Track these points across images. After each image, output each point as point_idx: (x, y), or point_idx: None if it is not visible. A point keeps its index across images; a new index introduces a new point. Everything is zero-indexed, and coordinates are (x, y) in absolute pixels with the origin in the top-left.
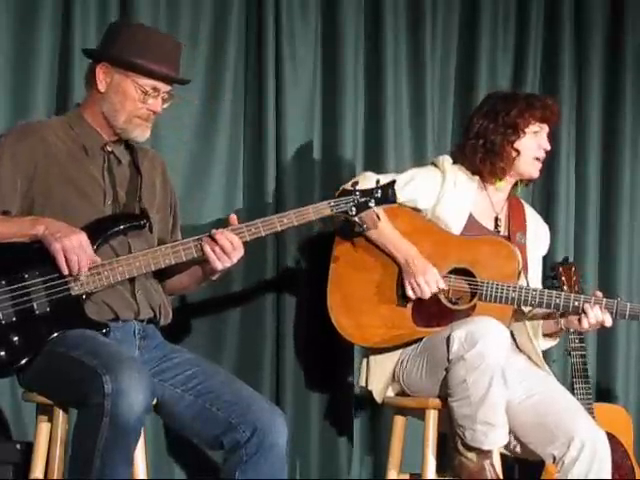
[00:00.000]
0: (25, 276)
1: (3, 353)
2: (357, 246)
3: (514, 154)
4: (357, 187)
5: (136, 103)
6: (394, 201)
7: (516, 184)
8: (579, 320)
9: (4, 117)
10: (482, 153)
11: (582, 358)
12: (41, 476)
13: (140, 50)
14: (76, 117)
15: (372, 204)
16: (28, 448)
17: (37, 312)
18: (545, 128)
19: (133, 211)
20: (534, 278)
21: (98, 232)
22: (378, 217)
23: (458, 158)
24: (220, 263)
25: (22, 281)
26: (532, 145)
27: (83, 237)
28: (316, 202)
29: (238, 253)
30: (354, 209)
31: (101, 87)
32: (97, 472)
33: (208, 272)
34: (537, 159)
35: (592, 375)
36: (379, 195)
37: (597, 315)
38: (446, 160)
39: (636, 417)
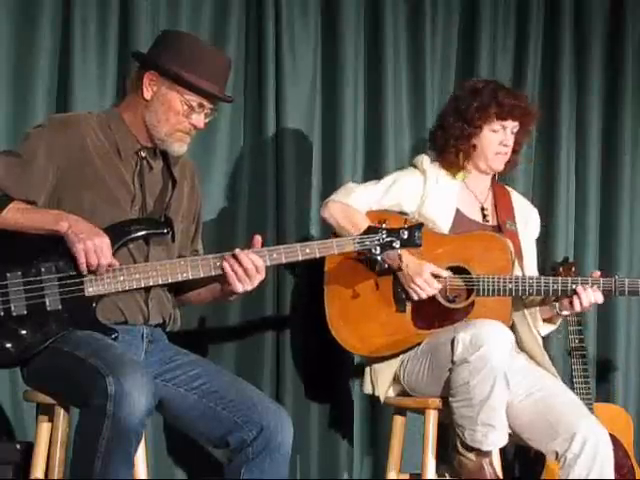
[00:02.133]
0: (42, 270)
1: (10, 345)
2: (349, 256)
3: (471, 149)
4: (384, 225)
5: (180, 117)
6: (420, 244)
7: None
8: (571, 303)
9: (4, 117)
10: (441, 145)
11: (582, 358)
12: (41, 476)
13: (191, 64)
14: (115, 117)
15: (397, 245)
16: (28, 448)
17: (49, 308)
18: (509, 125)
19: (158, 218)
20: (529, 265)
21: (119, 235)
22: (400, 258)
23: (433, 154)
24: (241, 285)
25: (38, 275)
26: (492, 141)
27: (105, 240)
28: (315, 202)
29: (260, 277)
30: (378, 248)
31: (147, 95)
32: (98, 473)
33: (227, 292)
34: (498, 154)
35: (592, 375)
36: (405, 237)
37: (589, 296)
38: (424, 159)
39: (636, 417)
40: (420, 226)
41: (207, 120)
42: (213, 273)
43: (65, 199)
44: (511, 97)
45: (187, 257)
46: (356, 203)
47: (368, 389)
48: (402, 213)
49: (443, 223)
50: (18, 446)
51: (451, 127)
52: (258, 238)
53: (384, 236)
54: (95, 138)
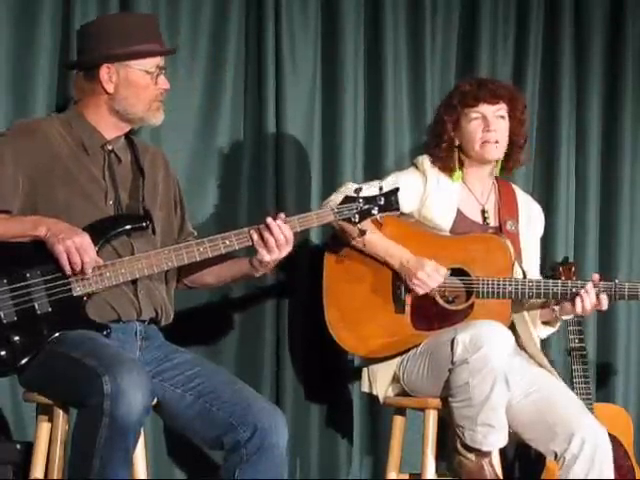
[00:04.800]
0: (27, 275)
1: (4, 353)
2: (347, 258)
3: (457, 143)
4: (360, 194)
5: (149, 89)
6: (397, 209)
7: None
8: (573, 305)
9: (4, 117)
10: (431, 149)
11: (582, 358)
12: (41, 476)
13: (130, 37)
14: (75, 116)
15: (375, 212)
16: (28, 448)
17: (38, 312)
18: (485, 110)
19: (136, 212)
20: (532, 265)
21: (100, 233)
22: (380, 224)
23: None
24: (268, 254)
25: (24, 280)
26: (472, 130)
27: (86, 238)
28: (315, 200)
29: (288, 247)
30: (357, 216)
31: (109, 88)
32: (97, 472)
33: (256, 265)
34: (485, 142)
35: (592, 375)
36: (382, 203)
37: (592, 299)
38: (425, 160)
39: (636, 417)
40: (396, 191)
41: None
42: (198, 259)
43: (40, 202)
44: (475, 83)
45: (171, 245)
46: None
47: (365, 387)
48: (402, 214)
49: (444, 223)
50: (18, 446)
51: (433, 130)
52: (281, 215)
53: (361, 204)
54: (60, 139)
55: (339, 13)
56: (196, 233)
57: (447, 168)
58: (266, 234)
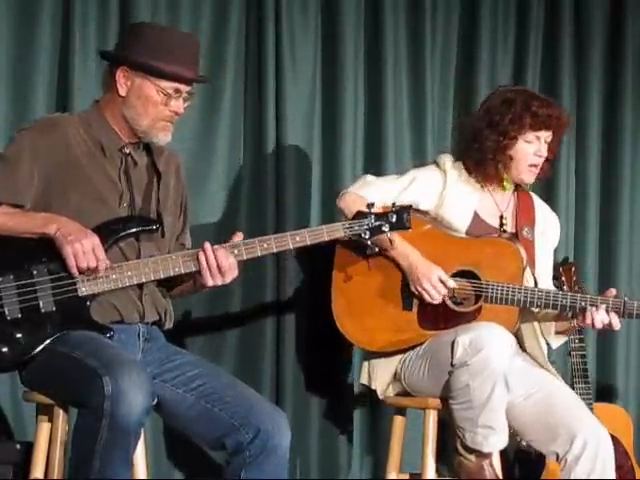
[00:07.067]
0: (34, 272)
1: (6, 349)
2: (359, 251)
3: (508, 161)
4: (372, 209)
5: (159, 107)
6: (409, 227)
7: None
8: (583, 320)
9: (4, 117)
10: (476, 157)
11: (582, 358)
12: (41, 476)
13: (160, 52)
14: (96, 116)
15: (386, 229)
16: (28, 448)
17: (43, 310)
18: (542, 135)
19: (148, 215)
20: (544, 274)
21: (110, 234)
22: (391, 242)
23: (458, 156)
24: (212, 280)
25: (30, 277)
26: (526, 152)
27: (95, 240)
28: (315, 201)
29: (232, 273)
30: (368, 233)
31: (122, 91)
32: (97, 473)
33: (198, 285)
34: (532, 165)
35: (592, 375)
36: (394, 220)
37: (603, 318)
38: (447, 159)
39: (636, 417)
40: (408, 208)
41: (186, 105)
42: (193, 268)
43: (53, 201)
44: (545, 107)
45: (178, 252)
46: (372, 197)
47: (364, 380)
48: (419, 211)
49: (460, 225)
50: (18, 446)
51: (487, 140)
52: (239, 234)
53: (373, 220)
54: (79, 138)
55: (339, 14)
56: (189, 246)
57: (494, 181)
58: (202, 258)
